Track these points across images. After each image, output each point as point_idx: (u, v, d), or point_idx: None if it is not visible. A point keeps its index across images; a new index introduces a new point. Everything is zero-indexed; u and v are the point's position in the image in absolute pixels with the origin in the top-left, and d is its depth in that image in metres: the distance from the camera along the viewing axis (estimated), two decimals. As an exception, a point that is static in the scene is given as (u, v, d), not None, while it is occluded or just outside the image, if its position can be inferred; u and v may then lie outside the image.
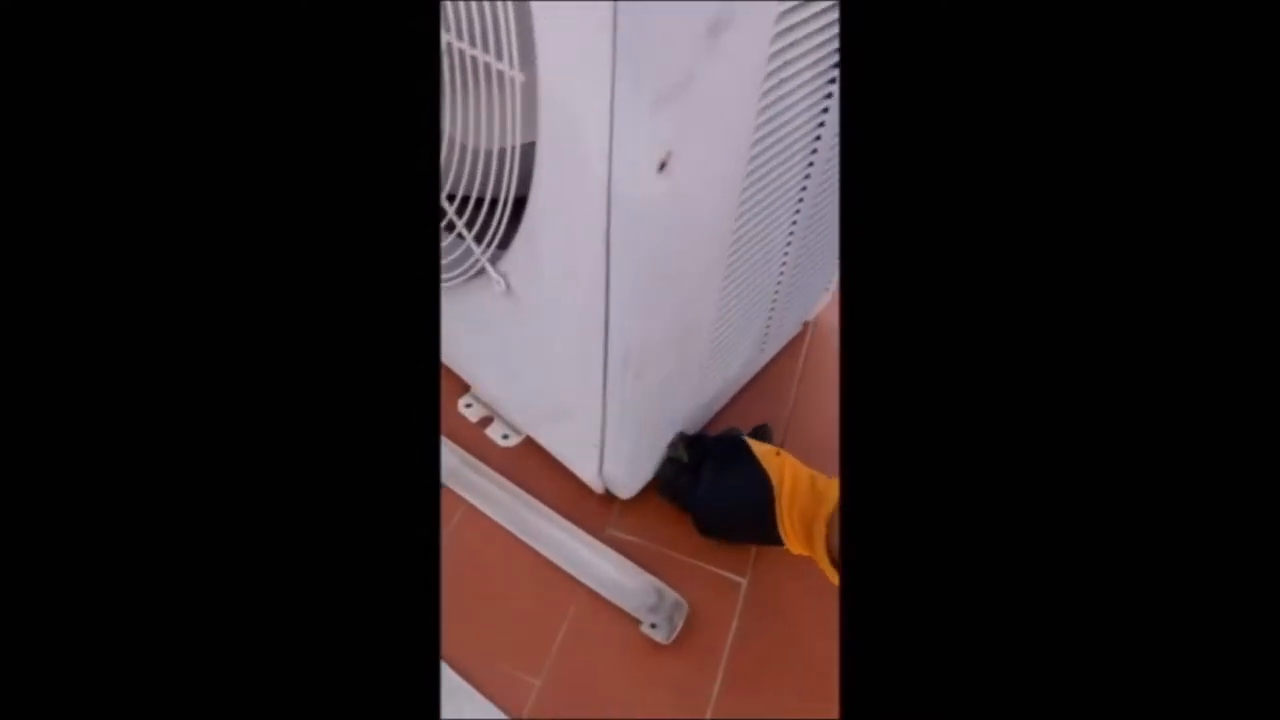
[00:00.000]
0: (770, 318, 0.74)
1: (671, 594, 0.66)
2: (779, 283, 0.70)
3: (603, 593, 0.66)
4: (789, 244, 0.65)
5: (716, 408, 0.78)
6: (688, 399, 0.69)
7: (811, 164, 0.58)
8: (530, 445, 0.76)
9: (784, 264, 0.67)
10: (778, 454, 0.63)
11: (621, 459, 0.66)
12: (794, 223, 0.63)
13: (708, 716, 0.60)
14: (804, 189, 0.60)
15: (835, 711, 0.60)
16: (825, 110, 0.54)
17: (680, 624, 0.64)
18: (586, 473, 0.70)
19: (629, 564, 0.68)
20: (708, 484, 0.65)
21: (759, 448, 0.64)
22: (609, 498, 0.72)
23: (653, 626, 0.63)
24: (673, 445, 0.69)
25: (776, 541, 0.61)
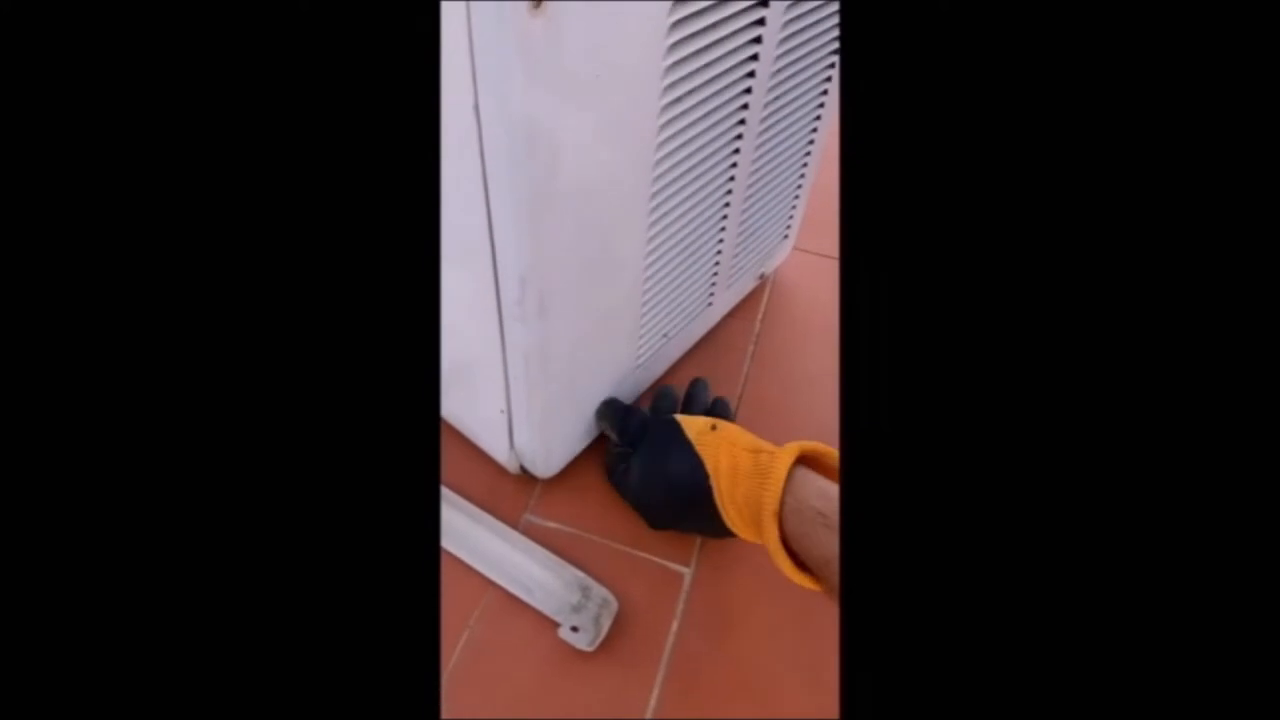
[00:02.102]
0: (717, 264, 0.63)
1: (599, 590, 0.54)
2: (724, 216, 0.59)
3: (516, 591, 0.54)
4: (734, 164, 0.54)
5: (658, 371, 0.67)
6: (616, 357, 0.58)
7: (752, 74, 0.47)
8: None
9: (729, 193, 0.56)
10: (713, 428, 0.51)
11: (534, 427, 0.54)
12: (738, 136, 0.52)
13: (642, 740, 0.48)
14: (748, 90, 0.49)
15: (798, 728, 0.49)
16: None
17: (608, 626, 0.52)
18: (497, 448, 0.58)
19: (549, 556, 0.56)
20: (640, 475, 0.54)
21: (692, 426, 0.52)
22: (527, 479, 0.60)
23: (574, 630, 0.51)
24: (599, 414, 0.58)
25: (727, 532, 0.50)
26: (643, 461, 0.54)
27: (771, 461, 0.46)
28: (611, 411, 0.58)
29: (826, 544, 0.42)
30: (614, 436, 0.58)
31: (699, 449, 0.50)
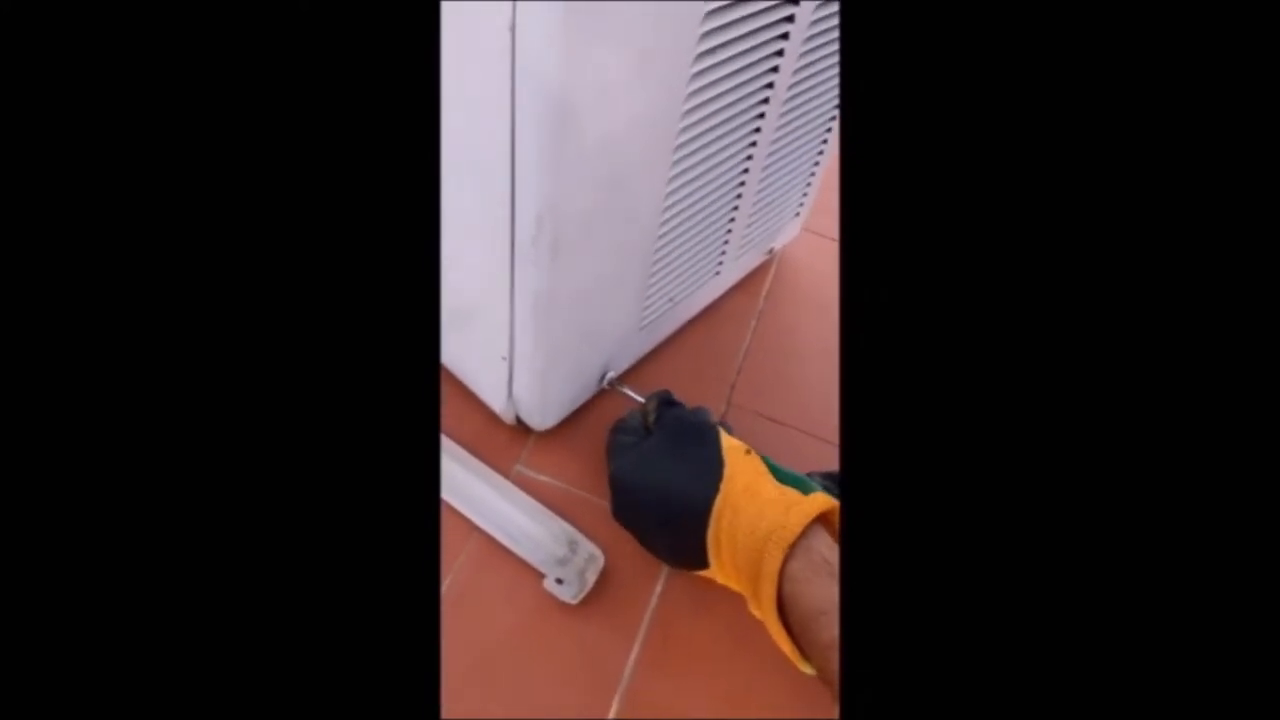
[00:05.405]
0: (729, 232, 0.63)
1: (587, 545, 0.54)
2: (742, 184, 0.58)
3: (502, 539, 0.53)
4: (757, 128, 0.54)
5: (661, 335, 0.67)
6: (623, 314, 0.57)
7: (785, 35, 0.46)
8: (434, 366, 0.63)
9: (749, 158, 0.56)
10: (748, 452, 0.47)
11: (535, 377, 0.53)
12: (764, 100, 0.52)
13: (618, 694, 0.48)
14: (780, 53, 0.48)
15: (770, 696, 0.49)
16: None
17: (593, 580, 0.52)
18: (494, 396, 0.58)
19: (538, 507, 0.56)
20: (644, 453, 0.48)
21: (729, 439, 0.48)
22: (522, 430, 0.60)
23: (559, 582, 0.51)
24: (656, 398, 0.53)
25: (698, 561, 0.46)
26: (662, 439, 0.49)
27: (802, 498, 0.43)
28: (658, 400, 0.53)
29: (827, 593, 0.39)
30: (642, 418, 0.52)
31: (726, 455, 0.46)
